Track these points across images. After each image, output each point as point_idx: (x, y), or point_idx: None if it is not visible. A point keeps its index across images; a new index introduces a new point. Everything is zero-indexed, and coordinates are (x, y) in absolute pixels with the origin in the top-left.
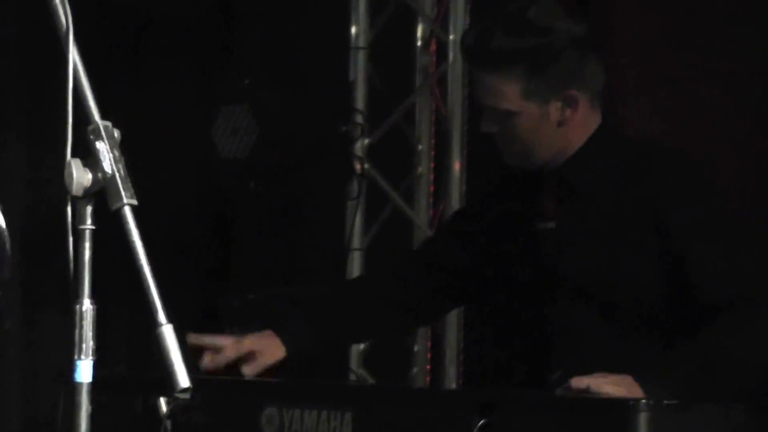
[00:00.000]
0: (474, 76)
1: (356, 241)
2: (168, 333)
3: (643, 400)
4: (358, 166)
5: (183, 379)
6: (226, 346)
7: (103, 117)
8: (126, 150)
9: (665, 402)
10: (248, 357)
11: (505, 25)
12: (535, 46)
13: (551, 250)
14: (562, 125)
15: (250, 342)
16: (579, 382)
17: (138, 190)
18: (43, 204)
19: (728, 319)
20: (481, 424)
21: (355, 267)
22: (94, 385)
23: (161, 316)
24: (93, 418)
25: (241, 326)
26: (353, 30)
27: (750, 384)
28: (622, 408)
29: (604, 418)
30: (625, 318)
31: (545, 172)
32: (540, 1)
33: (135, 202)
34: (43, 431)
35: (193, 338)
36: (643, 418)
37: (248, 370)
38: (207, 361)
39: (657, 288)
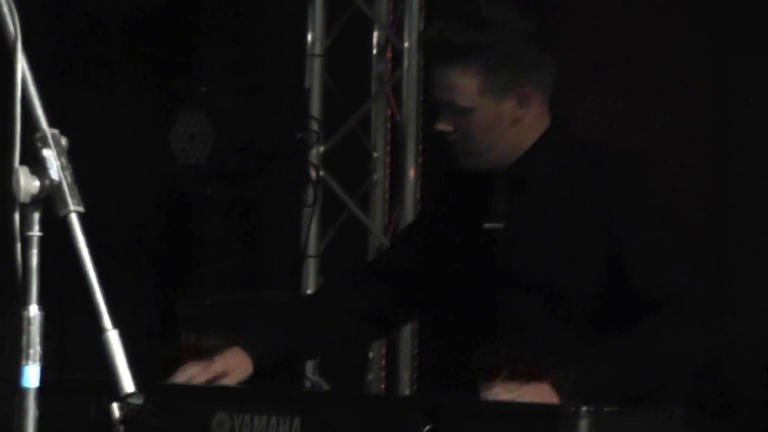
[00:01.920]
0: (432, 73)
1: (312, 248)
2: (113, 339)
3: (584, 407)
4: (313, 173)
5: (128, 385)
6: (198, 373)
7: (59, 124)
8: (84, 157)
9: (605, 408)
10: (219, 377)
11: (464, 21)
12: (493, 42)
13: (500, 250)
14: (515, 124)
15: (221, 364)
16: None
17: (95, 197)
18: None
19: (653, 321)
20: (427, 429)
21: (310, 273)
22: (48, 389)
23: (106, 322)
24: (46, 422)
25: (198, 332)
26: (309, 37)
27: (669, 384)
28: (564, 414)
29: (546, 424)
30: (573, 314)
31: (495, 172)
32: None
33: (81, 209)
34: None
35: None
36: (584, 425)
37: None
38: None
39: (603, 285)
